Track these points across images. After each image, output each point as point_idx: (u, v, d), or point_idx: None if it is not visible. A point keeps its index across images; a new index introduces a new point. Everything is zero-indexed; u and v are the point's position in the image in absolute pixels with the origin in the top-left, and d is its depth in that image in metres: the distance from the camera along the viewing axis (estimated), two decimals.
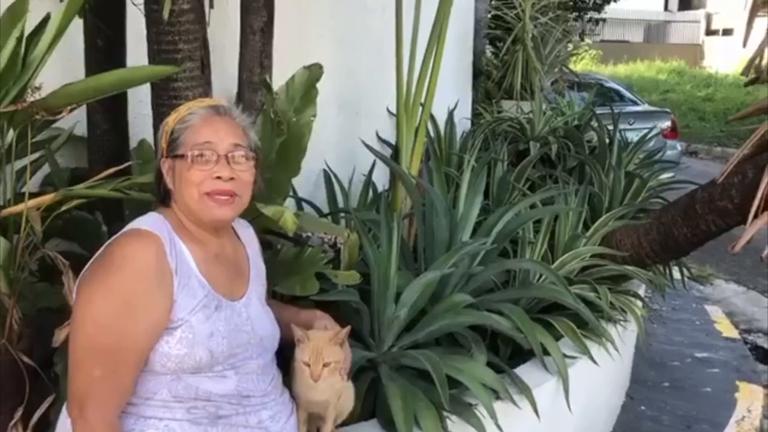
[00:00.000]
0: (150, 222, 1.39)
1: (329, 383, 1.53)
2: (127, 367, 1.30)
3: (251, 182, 1.46)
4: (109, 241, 1.37)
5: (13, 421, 1.51)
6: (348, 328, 1.58)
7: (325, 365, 1.50)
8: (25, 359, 1.53)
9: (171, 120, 1.43)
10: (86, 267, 1.36)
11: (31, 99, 1.44)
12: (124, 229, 1.39)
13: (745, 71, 2.45)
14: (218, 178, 1.38)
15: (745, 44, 2.40)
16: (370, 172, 3.21)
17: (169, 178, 1.43)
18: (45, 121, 1.53)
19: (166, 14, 1.74)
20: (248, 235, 1.64)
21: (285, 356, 1.59)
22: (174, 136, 1.41)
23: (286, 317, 1.62)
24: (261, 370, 1.47)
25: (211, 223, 1.44)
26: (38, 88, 1.45)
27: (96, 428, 1.27)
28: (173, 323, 1.33)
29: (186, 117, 1.42)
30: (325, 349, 1.51)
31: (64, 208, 1.57)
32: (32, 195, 1.58)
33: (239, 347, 1.42)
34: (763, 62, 2.38)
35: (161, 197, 1.46)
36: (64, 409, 1.39)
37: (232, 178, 1.39)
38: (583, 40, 9.08)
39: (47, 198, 1.54)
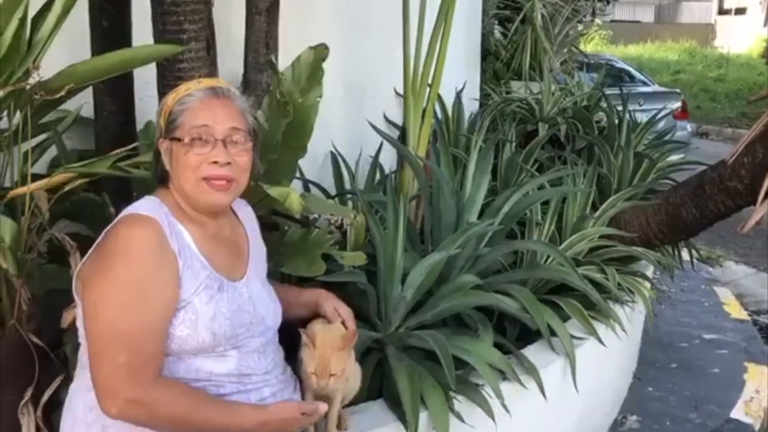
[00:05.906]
0: (147, 206, 1.38)
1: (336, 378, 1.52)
2: (152, 348, 1.29)
3: (249, 166, 1.44)
4: (106, 228, 1.36)
5: (23, 401, 1.52)
6: (355, 335, 1.56)
7: (331, 375, 1.48)
8: (35, 339, 1.54)
9: (170, 100, 1.42)
10: (87, 255, 1.36)
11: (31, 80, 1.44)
12: (121, 215, 1.38)
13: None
14: (215, 162, 1.37)
15: (766, 23, 2.38)
16: (377, 153, 3.20)
17: (167, 159, 1.41)
18: (51, 102, 1.53)
19: None
20: (247, 214, 1.63)
21: (288, 334, 1.60)
22: (172, 117, 1.40)
23: (288, 299, 1.62)
24: (262, 348, 1.47)
25: (207, 207, 1.43)
26: (37, 68, 1.44)
27: (152, 397, 1.25)
28: (177, 304, 1.33)
29: (184, 98, 1.40)
30: (333, 359, 1.48)
31: (67, 188, 1.57)
32: (40, 177, 1.59)
33: (241, 327, 1.42)
34: None
35: (159, 177, 1.45)
36: (71, 391, 1.40)
37: (228, 163, 1.38)
38: (593, 20, 8.98)
39: (52, 179, 1.54)
